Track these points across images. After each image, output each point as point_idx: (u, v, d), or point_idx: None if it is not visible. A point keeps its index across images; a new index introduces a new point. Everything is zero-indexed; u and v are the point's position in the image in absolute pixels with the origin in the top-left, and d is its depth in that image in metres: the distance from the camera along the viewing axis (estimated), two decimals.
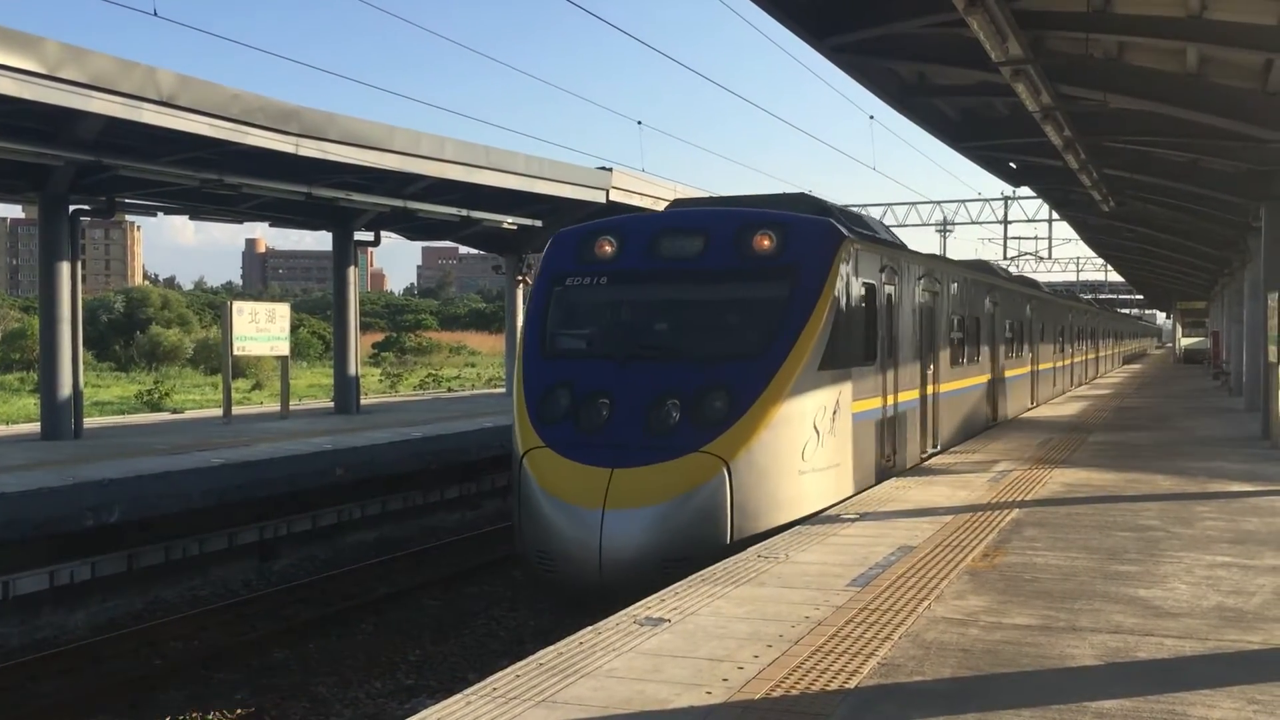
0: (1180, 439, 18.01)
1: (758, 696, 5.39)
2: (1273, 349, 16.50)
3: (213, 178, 17.13)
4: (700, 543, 9.61)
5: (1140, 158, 19.61)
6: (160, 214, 21.11)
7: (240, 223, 23.83)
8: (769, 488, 10.29)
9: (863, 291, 12.18)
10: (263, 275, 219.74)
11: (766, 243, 11.26)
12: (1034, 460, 14.86)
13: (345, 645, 11.45)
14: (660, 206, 18.20)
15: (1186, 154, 18.95)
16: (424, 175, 19.53)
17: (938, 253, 17.87)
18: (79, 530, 12.22)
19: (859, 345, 12.08)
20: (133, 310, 69.17)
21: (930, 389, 15.28)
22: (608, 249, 11.82)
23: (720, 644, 6.28)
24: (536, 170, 21.78)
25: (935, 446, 15.56)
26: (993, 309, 19.97)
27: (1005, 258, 55.58)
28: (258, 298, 68.35)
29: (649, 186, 25.36)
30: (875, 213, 58.71)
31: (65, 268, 17.23)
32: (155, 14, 14.15)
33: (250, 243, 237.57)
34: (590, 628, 6.67)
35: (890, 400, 13.19)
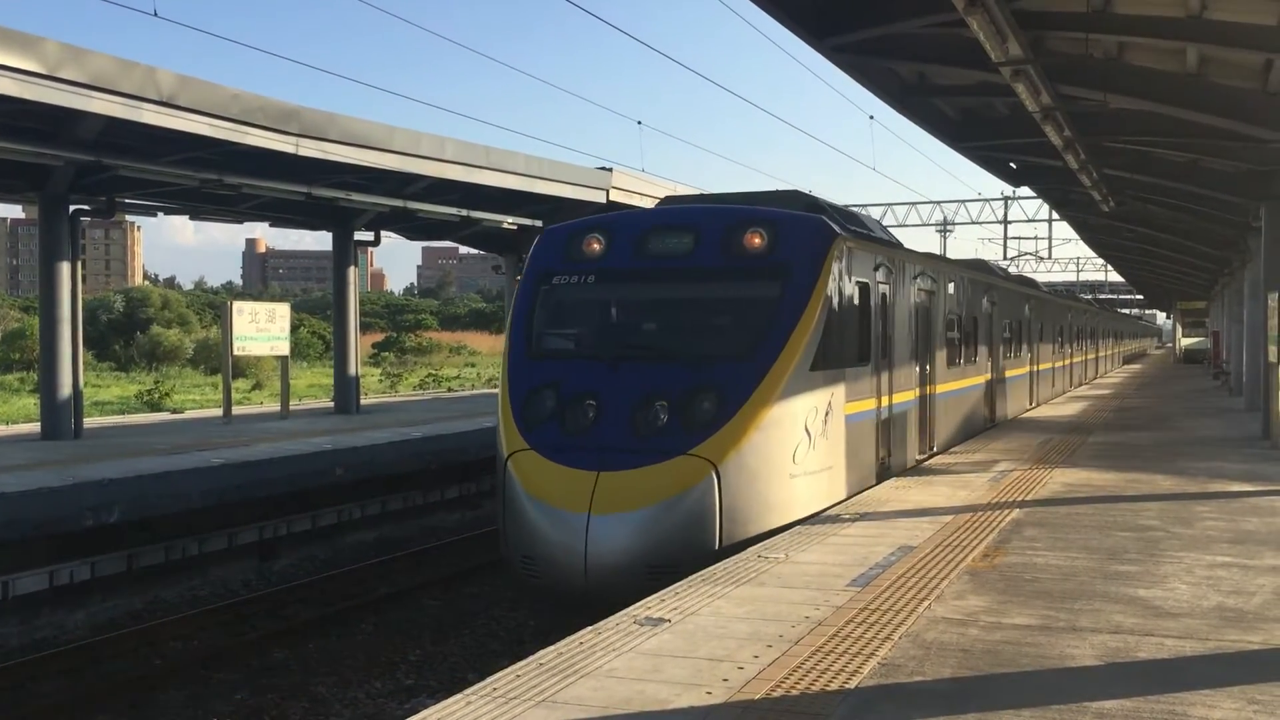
0: (1180, 439, 18.01)
1: (758, 696, 5.39)
2: (1273, 349, 16.50)
3: (213, 178, 17.13)
4: (688, 548, 9.41)
5: (1140, 158, 19.61)
6: (160, 214, 21.11)
7: (240, 223, 23.83)
8: (759, 491, 10.08)
9: (856, 290, 11.97)
10: (263, 275, 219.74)
11: (757, 241, 11.07)
12: (1034, 460, 14.86)
13: (345, 645, 11.45)
14: None
15: (1186, 154, 18.95)
16: (424, 175, 19.52)
17: (935, 251, 17.62)
18: (79, 530, 12.22)
19: (852, 345, 11.88)
20: (133, 310, 69.17)
21: (927, 390, 15.09)
22: (595, 247, 11.60)
23: (720, 644, 6.27)
24: (536, 170, 21.77)
25: (932, 448, 15.38)
26: (990, 309, 19.77)
27: (1005, 258, 55.62)
28: (258, 298, 68.34)
29: (649, 186, 25.35)
30: (875, 213, 58.72)
31: (65, 268, 17.23)
32: (155, 14, 14.16)
33: (250, 243, 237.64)
34: (590, 628, 6.67)
35: (885, 402, 12.99)
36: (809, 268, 10.98)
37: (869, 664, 5.89)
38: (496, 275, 30.98)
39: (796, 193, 13.61)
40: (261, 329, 21.59)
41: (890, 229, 17.54)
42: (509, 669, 5.87)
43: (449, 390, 40.14)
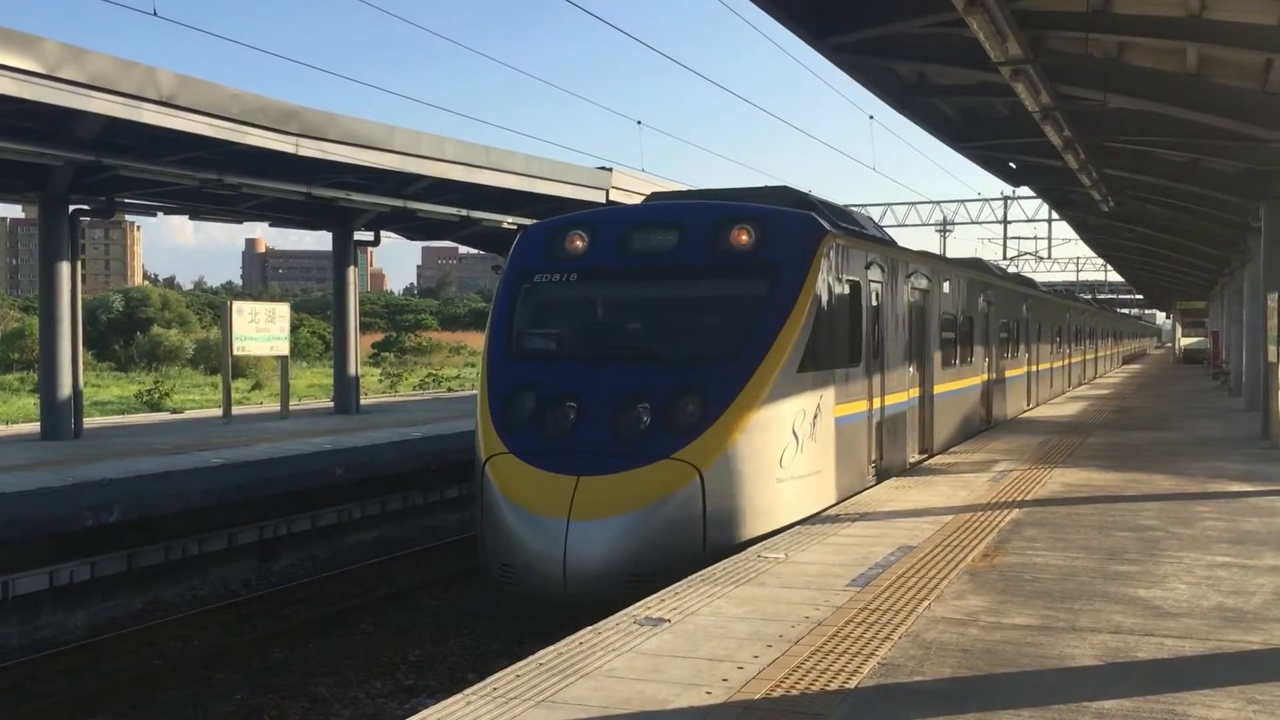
0: (1180, 439, 18.01)
1: (758, 696, 5.39)
2: (1273, 349, 16.50)
3: (213, 178, 17.12)
4: (671, 555, 9.14)
5: (1140, 158, 19.61)
6: (160, 214, 21.11)
7: (240, 223, 23.83)
8: (744, 497, 9.78)
9: (847, 289, 11.71)
10: (263, 275, 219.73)
11: (744, 237, 10.79)
12: (1034, 460, 14.86)
13: (345, 645, 11.44)
14: None
15: (1186, 154, 18.96)
16: (424, 175, 19.52)
17: (930, 250, 17.42)
18: (78, 530, 12.22)
19: (843, 346, 11.61)
20: (132, 310, 69.18)
21: (921, 391, 14.86)
22: (578, 244, 11.32)
23: (720, 644, 6.28)
24: (536, 170, 21.76)
25: (927, 451, 15.16)
26: (987, 308, 19.57)
27: (1005, 257, 55.63)
28: (258, 298, 68.33)
29: (649, 186, 25.31)
30: (875, 212, 58.76)
31: (65, 268, 17.22)
32: (155, 14, 14.16)
33: (250, 243, 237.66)
34: (590, 628, 6.67)
35: (877, 403, 12.72)
36: (797, 265, 10.71)
37: (869, 664, 5.89)
38: (496, 275, 30.94)
39: (786, 189, 13.30)
40: (261, 329, 21.59)
41: (890, 229, 17.52)
42: (509, 669, 5.87)
43: (449, 390, 40.14)
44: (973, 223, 55.43)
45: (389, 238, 25.70)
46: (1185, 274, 44.80)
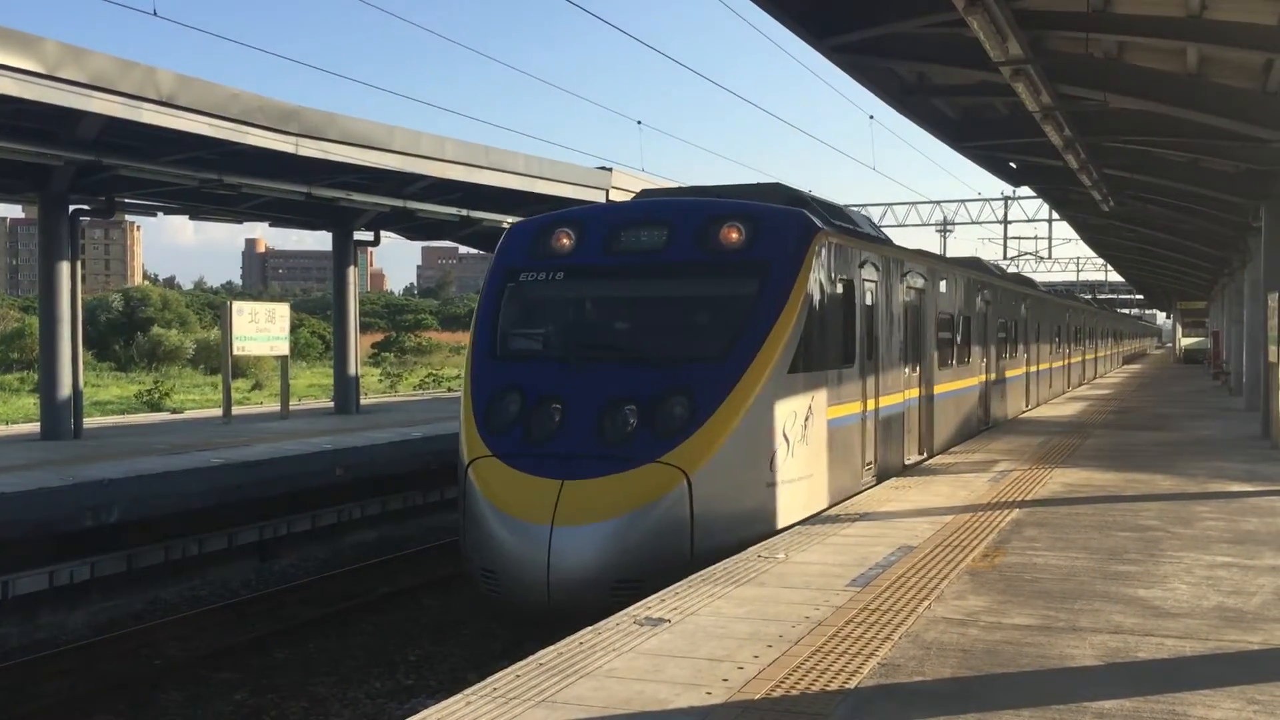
0: (1180, 439, 18.00)
1: (758, 696, 5.39)
2: (1273, 349, 16.49)
3: (212, 178, 17.13)
4: (658, 561, 8.88)
5: (1140, 157, 19.61)
6: (160, 214, 21.11)
7: (240, 223, 23.84)
8: (733, 501, 9.54)
9: (840, 288, 11.45)
10: (263, 275, 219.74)
11: (734, 235, 10.53)
12: (1034, 460, 14.85)
13: (345, 645, 11.44)
14: None
15: (1186, 154, 18.97)
16: (424, 175, 19.53)
17: (926, 249, 17.22)
18: (78, 530, 12.22)
19: (835, 346, 11.38)
20: (132, 310, 69.16)
21: (916, 392, 14.61)
22: (565, 242, 11.09)
23: (720, 644, 6.27)
24: (536, 170, 21.77)
25: (922, 453, 14.92)
26: (985, 308, 19.33)
27: (1005, 257, 55.65)
28: (257, 298, 68.42)
29: (649, 186, 25.31)
30: (875, 212, 58.76)
31: (65, 267, 17.23)
32: (155, 14, 14.17)
33: (250, 243, 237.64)
34: (590, 628, 6.67)
35: (871, 405, 12.48)
36: (788, 264, 10.46)
37: (869, 664, 5.89)
38: None
39: (778, 186, 13.01)
40: (261, 329, 21.60)
41: (890, 229, 17.48)
42: (509, 669, 5.87)
43: (449, 390, 40.14)
44: (973, 223, 55.47)
45: (389, 238, 25.72)
46: (1185, 274, 44.82)
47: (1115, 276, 70.77)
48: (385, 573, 14.48)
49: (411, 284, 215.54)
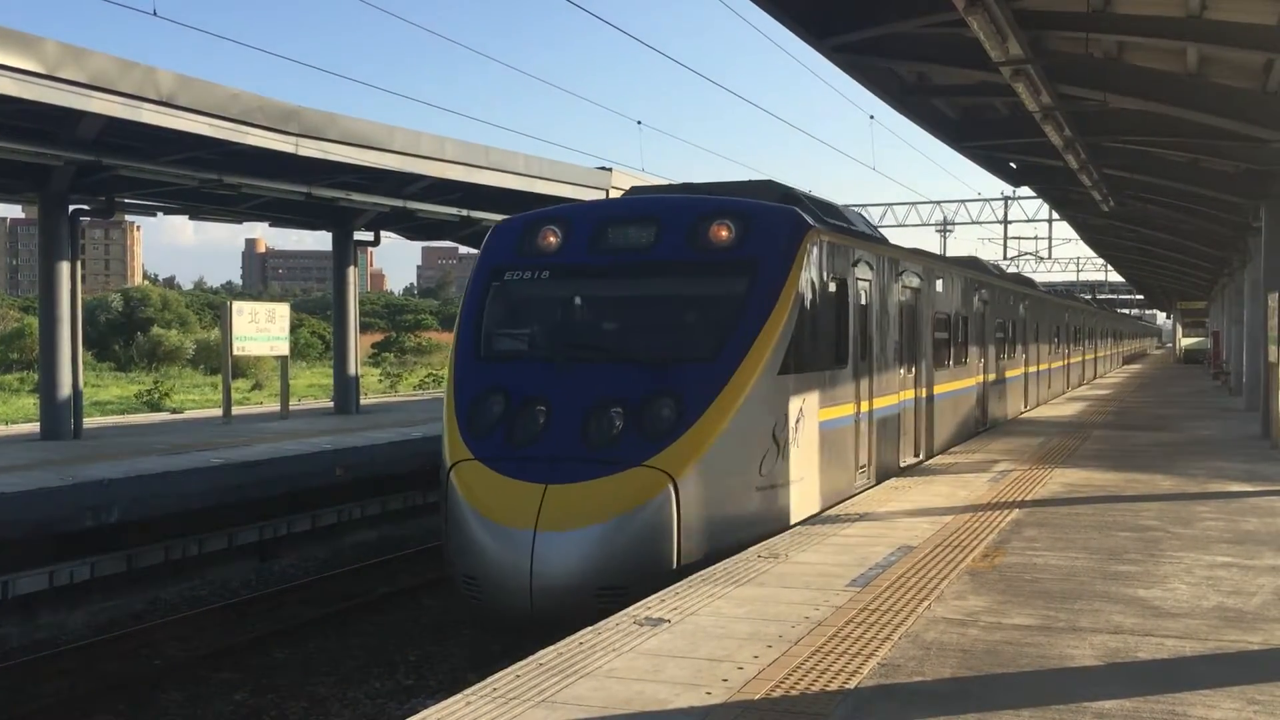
0: (1180, 439, 18.00)
1: (758, 696, 5.39)
2: (1273, 349, 16.50)
3: (212, 178, 17.13)
4: (643, 568, 8.68)
5: (1140, 157, 19.62)
6: (160, 214, 21.12)
7: (240, 223, 23.85)
8: (721, 506, 9.33)
9: (832, 287, 11.21)
10: (263, 275, 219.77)
11: (724, 233, 10.29)
12: (1034, 460, 14.85)
13: (345, 645, 11.44)
14: None
15: (1186, 154, 18.98)
16: (424, 175, 19.53)
17: (922, 248, 16.99)
18: (78, 530, 12.22)
19: (827, 347, 11.14)
20: (132, 310, 69.17)
21: (912, 393, 14.39)
22: (551, 239, 10.86)
23: (720, 644, 6.27)
24: (536, 170, 21.77)
25: (918, 455, 14.71)
26: (982, 308, 19.11)
27: (1005, 257, 55.66)
28: (257, 298, 68.45)
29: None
30: (875, 212, 58.71)
31: (65, 267, 17.23)
32: (155, 14, 14.16)
33: (250, 243, 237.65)
34: (590, 628, 6.67)
35: (865, 407, 12.25)
36: (779, 262, 10.23)
37: (869, 664, 5.89)
38: None
39: (770, 183, 12.72)
40: (261, 329, 21.60)
41: (890, 229, 17.43)
42: (509, 669, 5.87)
43: None
44: (973, 223, 55.49)
45: (389, 238, 25.71)
46: (1185, 274, 44.83)
47: (1115, 276, 70.80)
48: (385, 573, 14.48)
49: (411, 284, 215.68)
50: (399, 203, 20.66)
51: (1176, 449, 16.44)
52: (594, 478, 8.99)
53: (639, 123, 26.98)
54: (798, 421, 10.28)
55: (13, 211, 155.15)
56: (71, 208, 17.50)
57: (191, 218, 21.98)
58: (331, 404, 24.75)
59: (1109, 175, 20.63)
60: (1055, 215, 48.33)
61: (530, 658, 6.08)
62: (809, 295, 10.53)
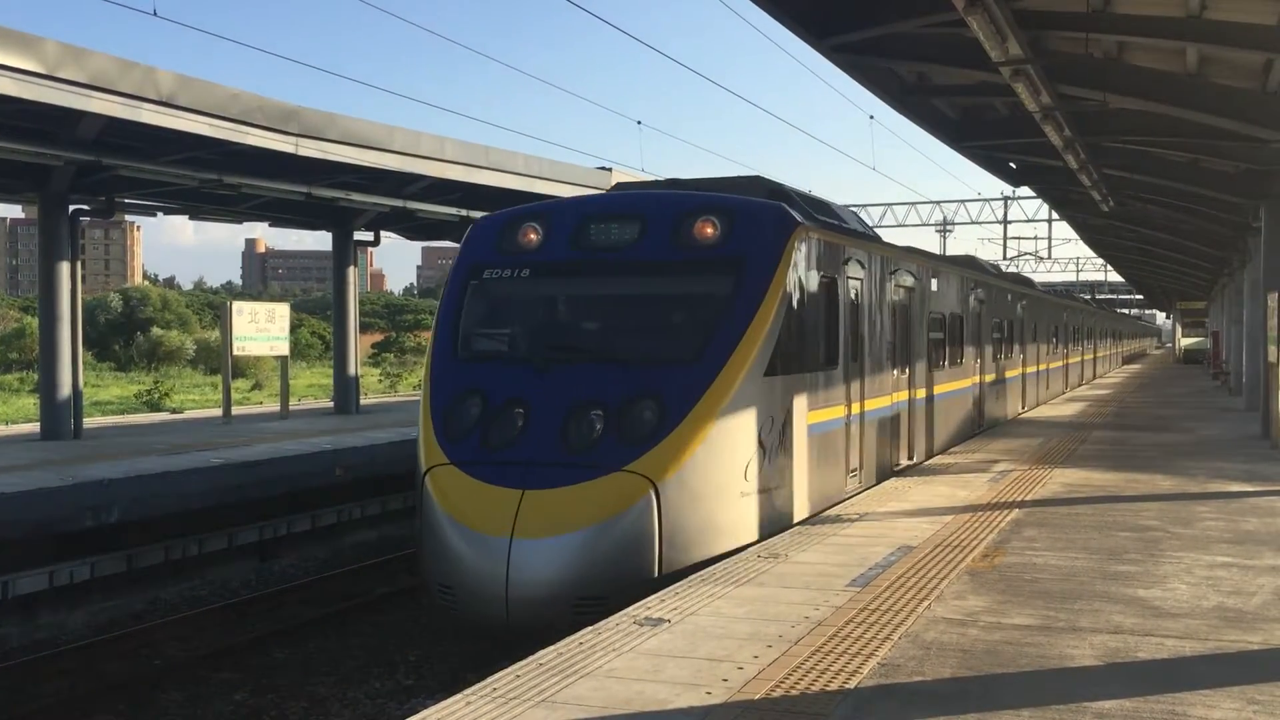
0: (1180, 439, 18.00)
1: (758, 696, 5.39)
2: (1273, 349, 16.50)
3: (212, 178, 17.13)
4: (623, 576, 8.42)
5: (1140, 158, 19.63)
6: (160, 214, 21.13)
7: (240, 223, 23.86)
8: (705, 512, 9.03)
9: (822, 286, 10.90)
10: (263, 275, 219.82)
11: (709, 230, 9.99)
12: (1033, 460, 14.85)
13: (345, 645, 11.44)
14: None
15: (1186, 154, 18.99)
16: (424, 175, 19.53)
17: (916, 246, 16.73)
18: (78, 530, 12.22)
19: (816, 347, 10.82)
20: (131, 310, 69.19)
21: (905, 395, 14.10)
22: (531, 237, 10.55)
23: (720, 644, 6.27)
24: (536, 170, 21.77)
25: (911, 458, 14.41)
26: (979, 307, 18.87)
27: (1005, 257, 55.66)
28: (257, 298, 68.49)
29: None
30: (875, 213, 58.77)
31: (65, 267, 17.23)
32: (155, 14, 14.16)
33: (250, 243, 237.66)
34: (590, 628, 6.67)
35: (856, 409, 11.94)
36: (765, 260, 9.92)
37: (869, 664, 5.89)
38: None
39: (759, 178, 12.34)
40: (261, 329, 21.61)
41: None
42: (509, 669, 5.87)
43: None
44: (973, 223, 55.51)
45: (389, 238, 25.72)
46: (1185, 274, 44.84)
47: (1115, 276, 70.82)
48: (385, 573, 14.48)
49: (411, 284, 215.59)
50: (399, 203, 20.67)
51: (1176, 449, 16.44)
52: (572, 483, 8.71)
53: (639, 123, 26.97)
54: (785, 424, 9.99)
55: (13, 211, 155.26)
56: (71, 208, 17.50)
57: (191, 218, 21.99)
58: (331, 404, 24.76)
59: (1109, 175, 20.64)
60: (1055, 215, 48.33)
61: (530, 658, 6.08)
62: (797, 294, 10.24)
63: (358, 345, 24.03)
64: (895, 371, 13.61)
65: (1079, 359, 37.00)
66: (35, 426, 19.06)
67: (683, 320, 10.01)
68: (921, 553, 8.78)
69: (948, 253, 46.57)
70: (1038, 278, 53.55)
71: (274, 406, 26.51)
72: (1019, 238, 75.56)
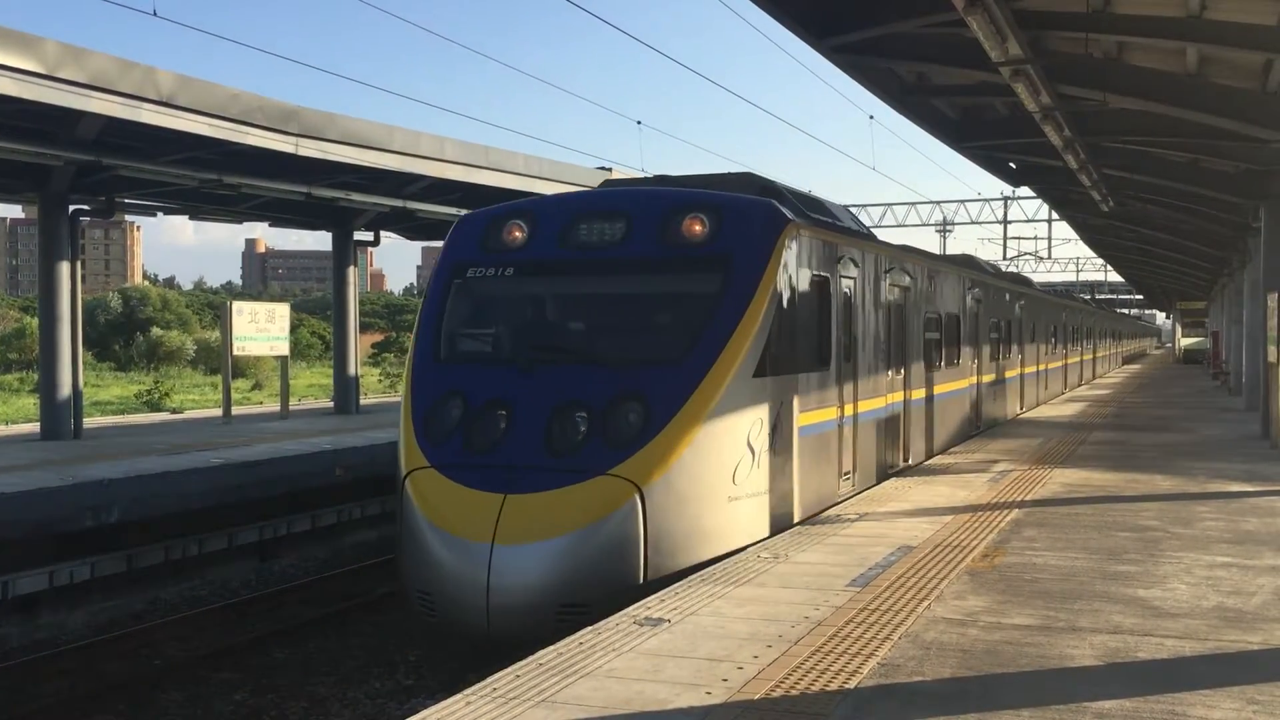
0: (1180, 440, 18.00)
1: (757, 696, 5.39)
2: (1272, 349, 16.50)
3: (212, 178, 17.13)
4: (607, 584, 8.23)
5: (1140, 158, 19.63)
6: (160, 214, 21.14)
7: (240, 223, 23.86)
8: (691, 517, 8.81)
9: (813, 285, 10.68)
10: (263, 275, 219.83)
11: (697, 227, 9.76)
12: (1033, 461, 14.85)
13: (345, 645, 11.44)
14: None
15: (1186, 154, 18.99)
16: (424, 175, 19.54)
17: (913, 245, 16.45)
18: (78, 530, 12.21)
19: (807, 347, 10.56)
20: (131, 310, 69.20)
21: (900, 396, 13.85)
22: (516, 235, 10.31)
23: (720, 644, 6.27)
24: (536, 170, 21.77)
25: (906, 460, 14.19)
26: (976, 307, 18.70)
27: (1005, 257, 55.66)
28: (257, 298, 68.51)
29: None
30: (875, 213, 58.80)
31: (65, 267, 17.23)
32: (155, 14, 14.17)
33: (250, 243, 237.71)
34: (590, 628, 6.67)
35: (849, 410, 11.70)
36: (754, 258, 9.69)
37: (869, 664, 5.89)
38: None
39: (749, 175, 12.07)
40: (261, 329, 21.61)
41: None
42: (509, 669, 5.87)
43: None
44: (973, 223, 55.51)
45: (389, 238, 25.74)
46: (1185, 274, 44.84)
47: (1115, 276, 70.83)
48: (385, 573, 14.47)
49: (411, 284, 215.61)
50: (399, 203, 20.67)
51: (1176, 449, 16.44)
52: (555, 487, 8.51)
53: (639, 123, 26.96)
54: (775, 427, 9.74)
55: (13, 211, 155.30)
56: (71, 208, 17.51)
57: (191, 218, 21.99)
58: (331, 404, 24.76)
59: (1109, 175, 20.64)
60: (1055, 215, 48.33)
61: (530, 658, 6.08)
62: (787, 293, 10.00)
63: (358, 345, 24.03)
64: (890, 372, 13.40)
65: (1078, 359, 36.95)
66: (35, 426, 19.06)
67: (670, 320, 9.82)
68: (921, 553, 8.78)
69: (948, 253, 46.58)
70: (1038, 278, 53.65)
71: (274, 406, 26.52)
72: (1019, 238, 75.62)
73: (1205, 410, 24.73)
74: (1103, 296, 77.44)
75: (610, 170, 24.43)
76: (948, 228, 57.21)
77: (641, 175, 25.30)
